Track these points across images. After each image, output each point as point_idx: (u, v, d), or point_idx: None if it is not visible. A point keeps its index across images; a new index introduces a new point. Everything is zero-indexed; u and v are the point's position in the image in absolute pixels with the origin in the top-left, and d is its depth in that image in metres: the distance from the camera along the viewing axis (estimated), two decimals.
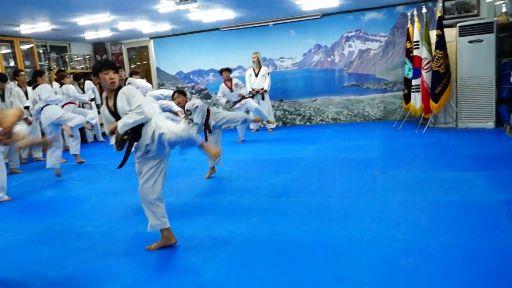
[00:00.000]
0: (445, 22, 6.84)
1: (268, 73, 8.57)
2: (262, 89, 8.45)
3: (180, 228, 3.43)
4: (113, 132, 3.02)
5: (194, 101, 4.98)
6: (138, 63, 10.94)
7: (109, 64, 3.05)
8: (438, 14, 6.74)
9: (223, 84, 7.94)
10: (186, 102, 4.98)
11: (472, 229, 3.04)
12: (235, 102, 7.99)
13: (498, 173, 4.34)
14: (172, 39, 9.97)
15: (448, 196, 3.78)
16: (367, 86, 8.88)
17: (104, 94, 3.17)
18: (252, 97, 8.25)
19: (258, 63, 8.58)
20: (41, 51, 8.40)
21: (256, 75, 8.54)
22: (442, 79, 6.57)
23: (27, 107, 6.51)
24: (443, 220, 3.26)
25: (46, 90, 6.03)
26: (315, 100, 9.31)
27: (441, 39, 6.48)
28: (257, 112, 7.94)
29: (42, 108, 6.00)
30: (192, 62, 10.09)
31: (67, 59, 9.12)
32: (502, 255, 2.62)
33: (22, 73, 6.92)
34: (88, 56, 9.91)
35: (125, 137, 3.03)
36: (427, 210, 3.53)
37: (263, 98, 8.50)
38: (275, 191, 4.40)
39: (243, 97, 7.97)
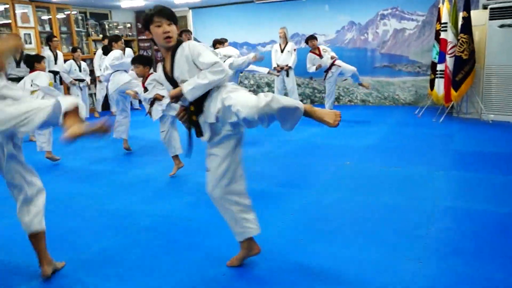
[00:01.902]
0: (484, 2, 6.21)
1: (294, 49, 8.38)
2: (286, 65, 8.32)
3: None
4: (177, 99, 2.31)
5: None
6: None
7: (164, 12, 2.24)
8: None
9: (310, 53, 7.46)
10: None
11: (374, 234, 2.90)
12: (329, 67, 7.34)
13: (474, 175, 4.00)
14: (209, 10, 10.08)
15: (390, 196, 3.57)
16: (400, 68, 8.39)
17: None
18: (278, 72, 8.16)
19: (285, 39, 8.40)
20: (79, 17, 8.91)
21: (282, 51, 8.41)
22: (464, 65, 6.04)
23: (54, 72, 7.05)
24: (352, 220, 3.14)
25: (108, 57, 5.69)
26: (345, 80, 8.98)
27: (466, 22, 5.91)
28: (354, 78, 7.54)
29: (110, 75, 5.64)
30: (227, 35, 10.11)
31: (106, 26, 9.60)
32: None
33: (55, 39, 7.45)
34: (129, 24, 10.35)
35: (192, 108, 2.30)
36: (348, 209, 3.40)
37: (287, 75, 8.38)
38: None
39: (334, 59, 7.30)
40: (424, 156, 4.70)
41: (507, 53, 5.96)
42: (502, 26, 5.91)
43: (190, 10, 10.35)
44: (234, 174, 2.33)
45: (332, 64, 7.28)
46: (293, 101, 2.13)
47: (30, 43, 7.93)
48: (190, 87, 2.19)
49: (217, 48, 7.00)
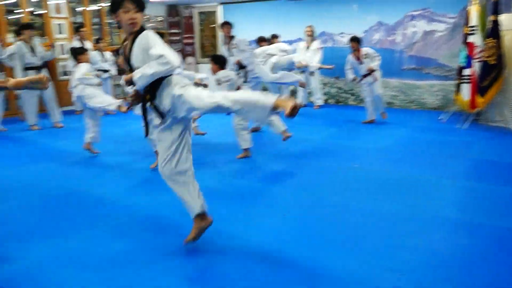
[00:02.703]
0: None
1: (319, 48, 8.30)
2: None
3: None
4: (130, 83, 2.48)
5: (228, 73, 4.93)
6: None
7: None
8: None
9: (350, 55, 6.73)
10: None
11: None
12: (363, 76, 6.65)
13: (483, 186, 3.84)
14: (239, 6, 10.10)
15: (389, 202, 3.48)
16: (428, 71, 8.13)
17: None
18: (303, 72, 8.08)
19: (311, 37, 8.35)
20: None
21: (308, 49, 8.34)
22: (491, 71, 5.79)
23: None
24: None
25: None
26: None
27: (495, 26, 5.66)
28: (376, 99, 6.69)
29: None
30: (254, 31, 10.11)
31: None
32: None
33: (83, 29, 7.69)
34: (160, 18, 10.54)
35: (148, 96, 2.50)
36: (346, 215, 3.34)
37: (311, 74, 8.31)
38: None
39: (372, 71, 6.53)
40: (437, 163, 4.55)
41: None
42: None
43: (221, 6, 10.42)
44: (180, 156, 2.54)
45: (369, 75, 6.57)
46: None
47: (62, 33, 8.23)
48: (138, 75, 2.38)
49: (262, 45, 6.92)
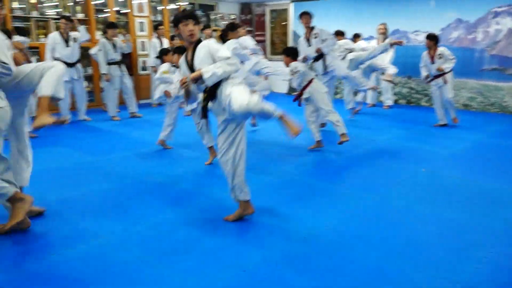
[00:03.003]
0: None
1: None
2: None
3: None
4: (196, 81, 2.84)
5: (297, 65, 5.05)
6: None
7: (189, 15, 2.86)
8: None
9: (425, 53, 6.43)
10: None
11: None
12: (434, 77, 6.36)
13: None
14: (310, 4, 10.06)
15: (455, 211, 3.35)
16: (511, 72, 7.59)
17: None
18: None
19: (384, 35, 8.12)
20: (188, 8, 9.58)
21: None
22: None
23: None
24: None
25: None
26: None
27: None
28: (446, 103, 6.41)
29: None
30: (327, 27, 10.06)
31: (211, 17, 10.17)
32: None
33: (161, 27, 8.15)
34: (233, 16, 10.82)
35: (205, 95, 2.92)
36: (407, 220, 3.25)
37: (383, 73, 8.10)
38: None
39: (443, 73, 6.23)
40: None
41: None
42: None
43: (292, 4, 10.47)
44: (237, 148, 2.94)
45: (439, 76, 6.27)
46: (271, 107, 2.77)
47: (143, 30, 8.78)
48: (209, 74, 2.74)
49: (339, 39, 6.88)
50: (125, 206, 3.45)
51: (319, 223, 3.09)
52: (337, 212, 3.33)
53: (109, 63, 7.03)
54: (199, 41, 2.91)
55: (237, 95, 2.70)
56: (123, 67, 7.20)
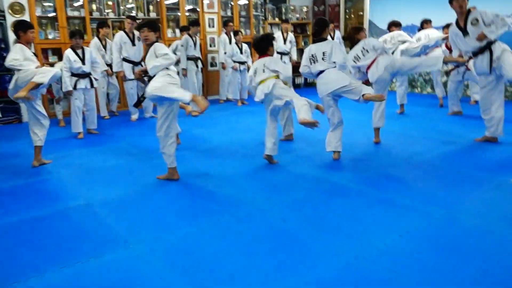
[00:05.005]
0: None
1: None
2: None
3: None
4: (144, 73, 3.80)
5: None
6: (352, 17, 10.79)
7: (144, 24, 3.77)
8: None
9: None
10: None
11: None
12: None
13: None
14: None
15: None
16: None
17: None
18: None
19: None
20: (259, 2, 9.43)
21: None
22: None
23: None
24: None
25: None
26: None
27: None
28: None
29: None
30: (405, 16, 9.32)
31: (283, 10, 9.90)
32: None
33: (230, 23, 8.11)
34: (305, 8, 10.46)
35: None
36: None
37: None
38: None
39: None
40: None
41: None
42: None
43: None
44: (170, 123, 3.77)
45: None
46: (180, 93, 3.51)
47: (213, 26, 8.80)
48: (150, 66, 3.63)
49: (392, 30, 6.49)
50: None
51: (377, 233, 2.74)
52: (386, 229, 2.93)
53: (188, 58, 7.39)
54: (152, 43, 3.75)
55: (152, 83, 3.55)
56: (199, 63, 7.53)
